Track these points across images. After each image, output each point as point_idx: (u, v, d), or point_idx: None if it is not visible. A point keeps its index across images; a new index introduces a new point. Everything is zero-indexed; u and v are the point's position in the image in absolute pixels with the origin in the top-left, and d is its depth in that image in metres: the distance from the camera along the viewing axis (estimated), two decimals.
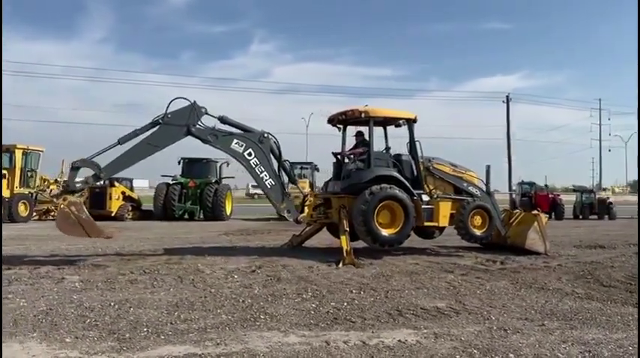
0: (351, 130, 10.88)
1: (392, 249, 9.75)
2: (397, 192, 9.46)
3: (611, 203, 29.38)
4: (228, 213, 22.63)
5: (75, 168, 8.39)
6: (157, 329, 4.58)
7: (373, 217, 9.31)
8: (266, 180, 9.19)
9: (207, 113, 8.93)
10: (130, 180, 24.82)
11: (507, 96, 43.33)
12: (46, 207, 21.10)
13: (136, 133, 8.62)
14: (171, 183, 22.44)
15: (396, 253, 9.86)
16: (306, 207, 9.92)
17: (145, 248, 10.77)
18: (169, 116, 8.66)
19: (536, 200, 27.69)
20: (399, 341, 4.32)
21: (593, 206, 29.34)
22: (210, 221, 21.38)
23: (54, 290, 6.21)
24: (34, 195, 20.28)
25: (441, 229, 11.09)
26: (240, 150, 9.07)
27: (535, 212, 11.32)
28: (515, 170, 42.79)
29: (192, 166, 23.01)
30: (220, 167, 23.47)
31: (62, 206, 8.21)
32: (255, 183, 9.51)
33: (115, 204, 21.43)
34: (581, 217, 29.03)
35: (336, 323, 4.89)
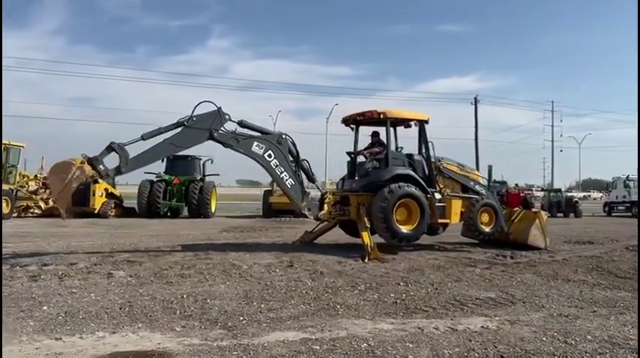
0: (364, 130, 11.26)
1: (408, 244, 10.17)
2: (414, 190, 9.87)
3: (577, 201, 30.92)
4: (213, 211, 22.64)
5: (109, 149, 8.32)
6: (251, 317, 4.80)
7: (392, 214, 9.69)
8: (286, 180, 9.44)
9: (230, 119, 9.09)
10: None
11: (475, 98, 44.56)
12: (25, 204, 20.54)
13: (160, 131, 8.69)
14: (155, 180, 22.23)
15: (407, 249, 10.26)
16: (325, 205, 10.21)
17: (159, 245, 10.78)
18: (194, 119, 8.78)
19: (507, 198, 28.69)
20: (482, 327, 4.71)
21: (561, 204, 30.75)
22: (196, 218, 21.40)
23: (112, 284, 6.29)
24: (15, 191, 19.71)
25: (445, 226, 11.58)
26: (261, 152, 9.28)
27: (535, 210, 11.97)
28: None
29: (176, 163, 22.79)
30: (204, 164, 23.45)
31: (77, 162, 8.24)
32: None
33: (98, 201, 21.07)
34: (549, 215, 30.30)
35: (411, 312, 5.23)
